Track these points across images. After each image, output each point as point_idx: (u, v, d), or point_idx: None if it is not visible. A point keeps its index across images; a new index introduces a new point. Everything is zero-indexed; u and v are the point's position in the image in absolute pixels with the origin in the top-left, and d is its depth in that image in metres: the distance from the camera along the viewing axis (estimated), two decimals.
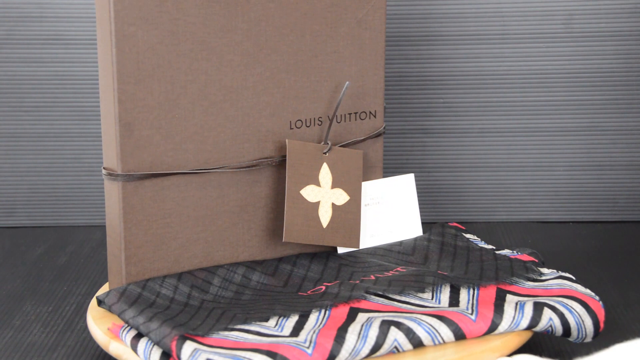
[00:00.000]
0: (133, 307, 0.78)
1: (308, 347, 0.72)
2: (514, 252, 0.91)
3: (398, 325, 0.74)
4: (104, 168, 0.82)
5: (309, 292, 0.83)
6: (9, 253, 1.06)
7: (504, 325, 0.77)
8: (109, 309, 0.80)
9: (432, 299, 0.81)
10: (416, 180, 1.13)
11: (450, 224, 0.97)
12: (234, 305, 0.80)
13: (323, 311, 0.78)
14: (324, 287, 0.83)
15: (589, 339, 0.79)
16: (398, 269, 0.87)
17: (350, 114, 0.90)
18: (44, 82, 1.11)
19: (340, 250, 0.91)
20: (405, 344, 0.74)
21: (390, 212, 0.93)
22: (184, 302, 0.80)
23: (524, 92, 1.11)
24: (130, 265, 0.82)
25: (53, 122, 1.12)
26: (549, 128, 1.11)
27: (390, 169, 1.13)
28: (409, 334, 0.74)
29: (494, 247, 0.92)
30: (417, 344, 0.75)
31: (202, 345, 0.72)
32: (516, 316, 0.77)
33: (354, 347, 0.73)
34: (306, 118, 0.88)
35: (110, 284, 0.85)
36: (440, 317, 0.76)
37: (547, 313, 0.78)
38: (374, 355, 0.74)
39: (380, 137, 0.93)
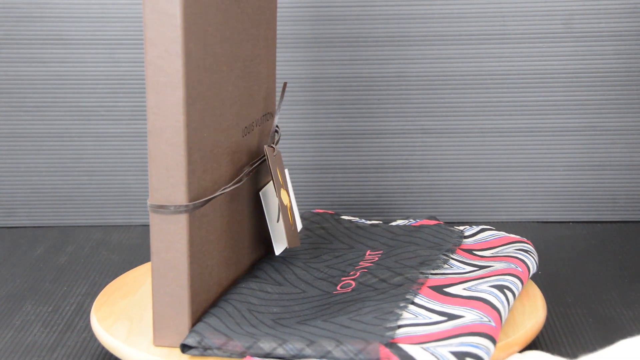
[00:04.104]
0: (265, 337, 0.73)
1: (489, 321, 0.73)
2: (411, 220, 0.95)
3: (505, 287, 0.79)
4: (151, 203, 0.75)
5: (338, 288, 0.82)
6: (9, 253, 1.06)
7: (531, 270, 0.85)
8: (208, 352, 0.74)
9: (452, 268, 0.85)
10: (416, 180, 1.13)
11: (317, 210, 0.99)
12: (313, 316, 0.77)
13: (419, 295, 0.79)
14: (353, 283, 0.83)
15: None
16: (368, 252, 0.89)
17: (263, 115, 0.89)
18: (44, 82, 1.11)
19: (277, 251, 0.88)
20: (512, 301, 0.79)
21: None
22: (268, 324, 0.76)
23: (524, 92, 1.11)
24: (194, 303, 0.76)
25: (53, 122, 1.12)
26: (549, 128, 1.11)
27: (391, 169, 1.13)
28: (512, 293, 0.79)
29: (382, 221, 0.96)
30: (513, 298, 0.79)
31: (412, 344, 0.70)
32: (529, 262, 0.85)
33: (504, 314, 0.76)
34: (248, 124, 0.86)
35: (160, 328, 0.76)
36: (509, 274, 0.81)
37: (530, 257, 0.87)
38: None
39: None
